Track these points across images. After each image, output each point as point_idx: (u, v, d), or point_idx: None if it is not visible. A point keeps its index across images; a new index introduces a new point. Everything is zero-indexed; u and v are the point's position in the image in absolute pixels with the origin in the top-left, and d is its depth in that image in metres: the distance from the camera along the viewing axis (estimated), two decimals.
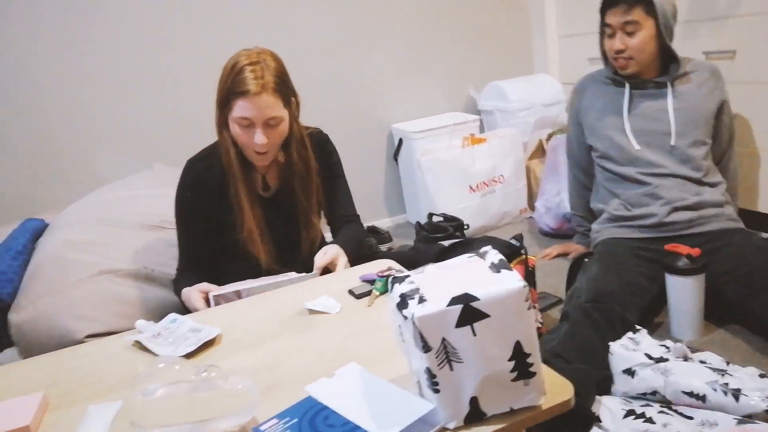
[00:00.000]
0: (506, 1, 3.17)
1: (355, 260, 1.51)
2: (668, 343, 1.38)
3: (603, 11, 1.82)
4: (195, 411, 0.72)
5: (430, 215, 2.56)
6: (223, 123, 1.42)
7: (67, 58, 2.40)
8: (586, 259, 1.79)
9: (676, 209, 1.75)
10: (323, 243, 1.65)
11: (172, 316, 1.13)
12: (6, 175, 2.41)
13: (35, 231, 1.96)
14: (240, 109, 1.34)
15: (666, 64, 1.83)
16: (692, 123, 1.78)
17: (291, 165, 1.52)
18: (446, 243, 1.85)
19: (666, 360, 1.29)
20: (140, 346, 1.07)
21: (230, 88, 1.34)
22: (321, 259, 1.42)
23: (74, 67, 2.42)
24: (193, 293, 1.40)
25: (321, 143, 1.61)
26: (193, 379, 0.74)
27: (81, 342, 1.49)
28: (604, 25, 1.82)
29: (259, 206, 1.50)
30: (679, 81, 1.81)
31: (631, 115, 1.85)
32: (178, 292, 1.50)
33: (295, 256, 1.56)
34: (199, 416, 0.72)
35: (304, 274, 1.40)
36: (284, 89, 1.39)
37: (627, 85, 1.85)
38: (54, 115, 2.43)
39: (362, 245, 1.71)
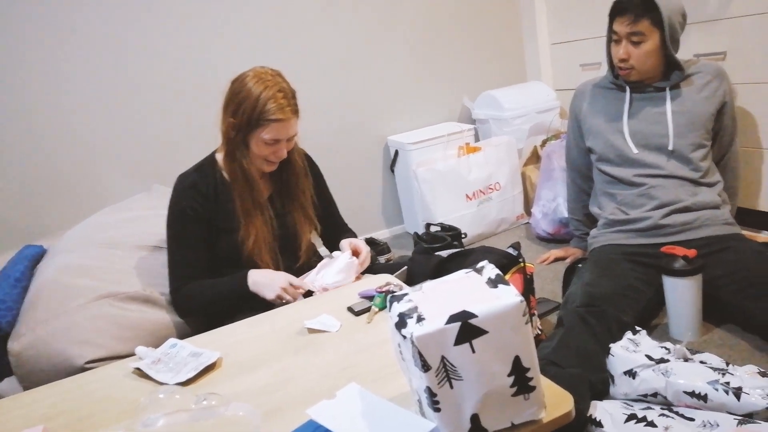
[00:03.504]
0: (498, 10, 3.20)
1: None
2: (668, 344, 1.38)
3: (611, 17, 1.82)
4: None
5: (428, 225, 2.56)
6: (241, 141, 1.50)
7: (65, 83, 2.41)
8: (580, 265, 1.80)
9: (672, 212, 1.76)
10: (317, 255, 1.70)
11: (172, 341, 1.13)
12: (3, 201, 2.42)
13: (34, 257, 1.95)
14: (272, 132, 1.46)
15: (670, 71, 1.83)
16: (690, 125, 1.79)
17: (290, 162, 1.60)
18: (445, 253, 1.85)
19: (667, 361, 1.30)
20: (141, 373, 1.07)
21: (261, 114, 1.44)
22: (349, 243, 1.59)
23: (71, 93, 2.43)
24: (280, 279, 1.44)
25: (306, 155, 1.73)
26: (194, 408, 0.74)
27: (82, 368, 1.49)
28: (611, 30, 1.83)
29: (261, 212, 1.56)
30: (680, 83, 1.82)
31: (631, 118, 1.86)
32: (199, 296, 1.51)
33: (294, 261, 1.61)
34: None
35: (339, 253, 1.54)
36: (297, 108, 1.51)
37: (628, 90, 1.87)
38: (49, 140, 2.44)
39: None
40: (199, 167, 1.60)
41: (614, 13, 1.81)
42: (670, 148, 1.79)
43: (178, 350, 1.10)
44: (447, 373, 0.73)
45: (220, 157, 1.60)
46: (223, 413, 0.73)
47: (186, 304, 1.53)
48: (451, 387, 0.74)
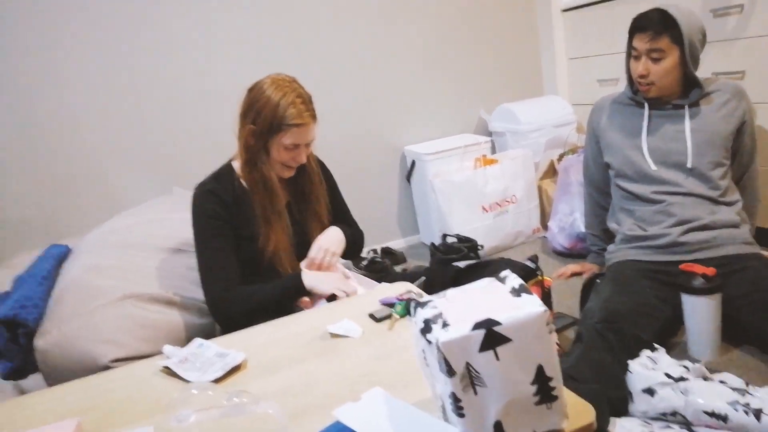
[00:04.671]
0: (516, 24, 3.23)
1: (348, 256, 1.74)
2: (687, 363, 1.38)
3: (631, 33, 1.83)
4: None
5: (444, 236, 2.58)
6: (261, 147, 1.53)
7: (90, 90, 2.48)
8: (598, 280, 1.80)
9: (690, 230, 1.76)
10: None
11: (198, 340, 1.16)
12: (30, 202, 2.48)
13: (59, 256, 2.00)
14: (292, 137, 1.51)
15: (689, 88, 1.84)
16: (709, 144, 1.79)
17: (306, 168, 1.64)
18: (461, 264, 1.87)
19: (686, 380, 1.30)
20: (169, 371, 1.09)
21: (281, 120, 1.48)
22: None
23: (96, 97, 2.50)
24: (334, 274, 1.51)
25: (319, 161, 1.76)
26: (225, 405, 0.76)
27: (105, 366, 1.52)
28: (631, 47, 1.84)
29: (280, 219, 1.59)
30: (699, 101, 1.83)
31: (649, 135, 1.86)
32: (248, 300, 1.51)
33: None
34: None
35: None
36: (315, 113, 1.55)
37: (646, 106, 1.87)
38: (75, 143, 2.50)
39: (356, 242, 1.81)
40: (216, 176, 1.62)
41: (634, 30, 1.82)
42: (689, 165, 1.80)
43: (204, 350, 1.13)
44: (471, 379, 0.75)
45: (237, 165, 1.62)
46: (254, 411, 0.75)
47: (231, 309, 1.50)
48: (475, 393, 0.76)
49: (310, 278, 1.50)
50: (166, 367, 1.10)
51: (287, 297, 1.52)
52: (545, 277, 1.72)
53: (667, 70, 1.78)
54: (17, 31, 2.36)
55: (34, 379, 1.70)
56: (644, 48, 1.78)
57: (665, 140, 1.84)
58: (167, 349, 1.14)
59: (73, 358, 1.59)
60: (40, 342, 1.62)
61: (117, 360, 1.58)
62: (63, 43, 2.42)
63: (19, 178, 2.46)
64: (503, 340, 0.75)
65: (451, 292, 0.87)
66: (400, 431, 0.75)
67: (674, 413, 1.28)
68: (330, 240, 1.63)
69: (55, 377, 1.55)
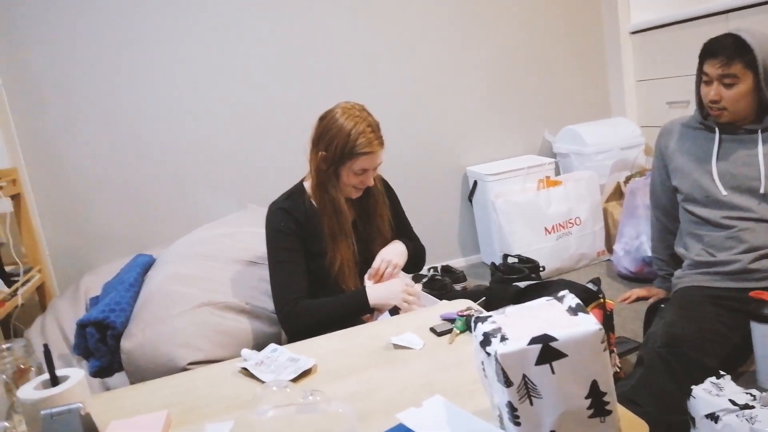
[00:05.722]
0: (583, 46, 3.23)
1: (409, 270, 1.80)
2: (754, 391, 1.35)
3: (702, 58, 1.80)
4: (301, 431, 0.82)
5: (505, 256, 2.60)
6: (332, 173, 1.63)
7: (174, 111, 2.70)
8: (663, 305, 1.77)
9: (762, 257, 1.71)
10: None
11: (273, 346, 1.25)
12: (119, 215, 2.71)
13: (145, 265, 2.18)
14: (362, 163, 1.60)
15: (763, 113, 1.78)
16: None
17: (371, 188, 1.71)
18: (522, 284, 1.89)
19: (752, 407, 1.27)
20: (246, 372, 1.19)
21: (353, 149, 1.57)
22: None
23: (181, 121, 2.72)
24: (397, 286, 1.58)
25: (383, 179, 1.84)
26: (301, 402, 0.84)
27: (183, 368, 1.64)
28: (702, 71, 1.81)
29: (346, 238, 1.67)
30: None
31: (720, 160, 1.82)
32: (315, 312, 1.59)
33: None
34: None
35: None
36: (383, 139, 1.64)
37: (717, 131, 1.84)
38: (162, 162, 2.72)
39: (418, 256, 1.86)
40: (289, 195, 1.73)
41: (705, 55, 1.79)
42: (762, 191, 1.75)
43: (278, 355, 1.22)
44: (528, 390, 0.80)
45: (307, 185, 1.72)
46: (326, 409, 0.83)
47: (300, 321, 1.57)
48: (531, 404, 0.80)
49: (374, 296, 1.57)
50: (244, 369, 1.20)
51: (352, 313, 1.59)
52: (607, 300, 1.72)
53: (740, 95, 1.74)
54: (113, 58, 2.60)
55: (119, 378, 1.85)
56: (716, 74, 1.74)
57: (737, 165, 1.80)
58: (245, 352, 1.24)
59: (155, 360, 1.72)
60: (126, 344, 1.75)
61: (194, 363, 1.69)
62: (154, 79, 2.66)
63: (110, 193, 2.69)
64: (559, 355, 0.79)
65: (510, 309, 0.91)
66: None
67: None
68: (393, 252, 1.70)
69: (138, 377, 1.68)
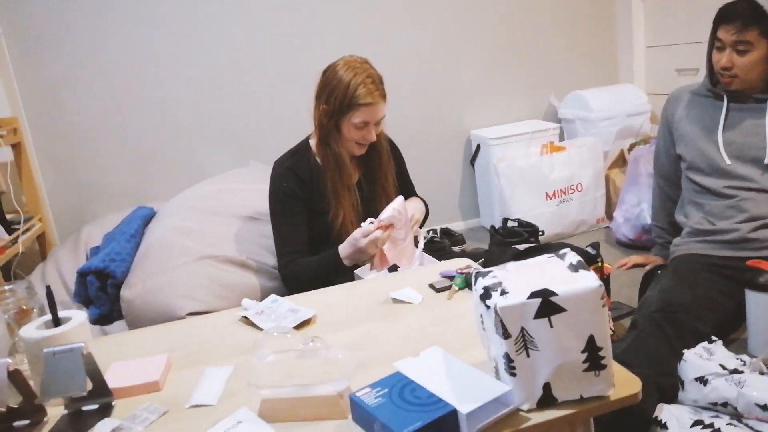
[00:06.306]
0: (593, 10, 3.17)
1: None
2: (744, 357, 1.37)
3: (716, 23, 1.77)
4: (300, 375, 0.84)
5: (505, 220, 2.60)
6: (333, 126, 1.61)
7: (177, 68, 2.66)
8: (659, 271, 1.79)
9: (762, 226, 1.72)
10: None
11: (273, 297, 1.27)
12: (121, 168, 2.70)
13: (146, 217, 2.18)
14: (361, 115, 1.58)
15: None
16: None
17: (376, 146, 1.70)
18: (520, 247, 1.89)
19: (741, 372, 1.30)
20: (247, 321, 1.21)
21: (352, 100, 1.55)
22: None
23: (184, 77, 2.68)
24: (358, 236, 1.53)
25: (389, 139, 1.82)
26: (301, 348, 0.86)
27: (182, 318, 1.66)
28: (714, 37, 1.78)
29: (349, 194, 1.67)
30: None
31: (726, 129, 1.81)
32: (305, 271, 1.62)
33: None
34: (304, 380, 0.84)
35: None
36: (385, 92, 1.60)
37: (725, 99, 1.82)
38: (164, 117, 2.70)
39: (425, 218, 1.87)
40: (294, 152, 1.72)
41: (719, 20, 1.76)
42: (767, 161, 1.74)
43: (278, 305, 1.23)
44: (525, 342, 0.81)
45: (313, 142, 1.71)
46: (325, 355, 0.84)
47: (294, 278, 1.64)
48: (528, 356, 0.81)
49: (345, 255, 1.57)
50: (244, 317, 1.21)
51: (331, 272, 1.60)
52: (605, 264, 1.73)
53: (752, 63, 1.71)
54: (115, 7, 2.55)
55: (118, 326, 1.88)
56: (730, 40, 1.72)
57: (743, 134, 1.79)
58: (246, 301, 1.26)
59: (154, 309, 1.74)
60: (126, 293, 1.78)
61: (193, 313, 1.72)
62: (158, 31, 2.61)
63: (112, 146, 2.68)
64: (558, 309, 0.80)
65: (511, 265, 0.92)
66: (455, 384, 0.82)
67: (725, 404, 1.28)
68: (418, 209, 1.73)
69: (137, 325, 1.70)
